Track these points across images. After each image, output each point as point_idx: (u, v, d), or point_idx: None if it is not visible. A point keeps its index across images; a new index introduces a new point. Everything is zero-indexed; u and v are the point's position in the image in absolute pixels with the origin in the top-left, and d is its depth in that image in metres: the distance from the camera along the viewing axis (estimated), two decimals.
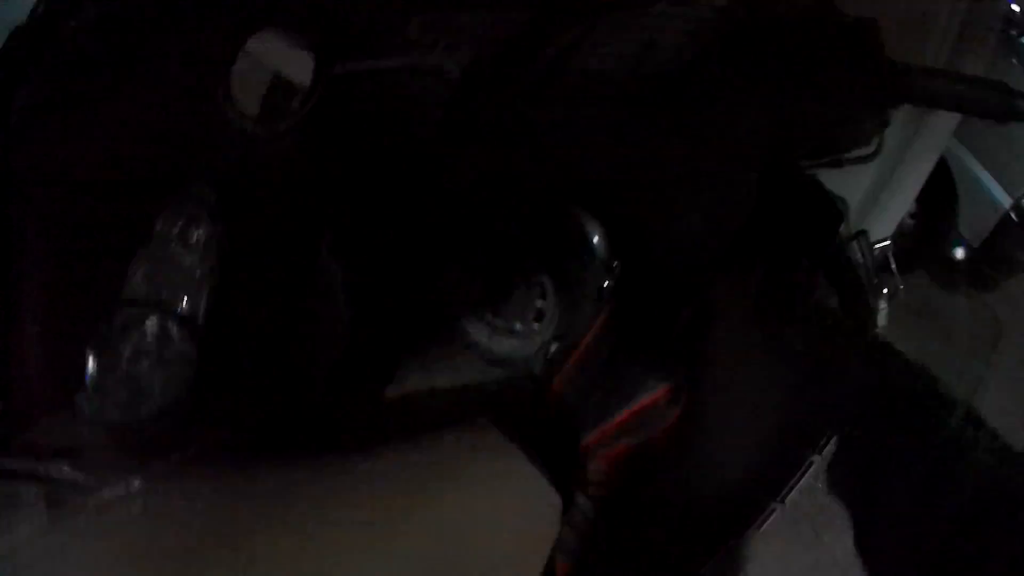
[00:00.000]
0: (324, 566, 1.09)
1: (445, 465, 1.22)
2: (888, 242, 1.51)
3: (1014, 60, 3.66)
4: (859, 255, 1.33)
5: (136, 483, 1.93)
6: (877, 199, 2.45)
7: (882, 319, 1.34)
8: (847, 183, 1.31)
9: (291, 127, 1.19)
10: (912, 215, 3.44)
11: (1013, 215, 3.43)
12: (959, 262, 3.65)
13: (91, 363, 1.73)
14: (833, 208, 1.34)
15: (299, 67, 1.21)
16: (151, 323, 1.76)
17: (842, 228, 1.31)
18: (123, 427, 1.79)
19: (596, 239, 2.03)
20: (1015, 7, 3.98)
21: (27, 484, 2.16)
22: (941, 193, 3.39)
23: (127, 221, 1.80)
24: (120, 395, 1.75)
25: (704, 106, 1.08)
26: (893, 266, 1.50)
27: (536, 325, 2.21)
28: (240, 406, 1.95)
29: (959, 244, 3.55)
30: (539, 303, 2.16)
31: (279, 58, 1.38)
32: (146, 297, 1.76)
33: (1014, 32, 3.86)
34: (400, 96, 1.97)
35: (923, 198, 3.38)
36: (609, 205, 1.23)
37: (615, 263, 1.98)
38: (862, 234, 1.35)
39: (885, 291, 1.36)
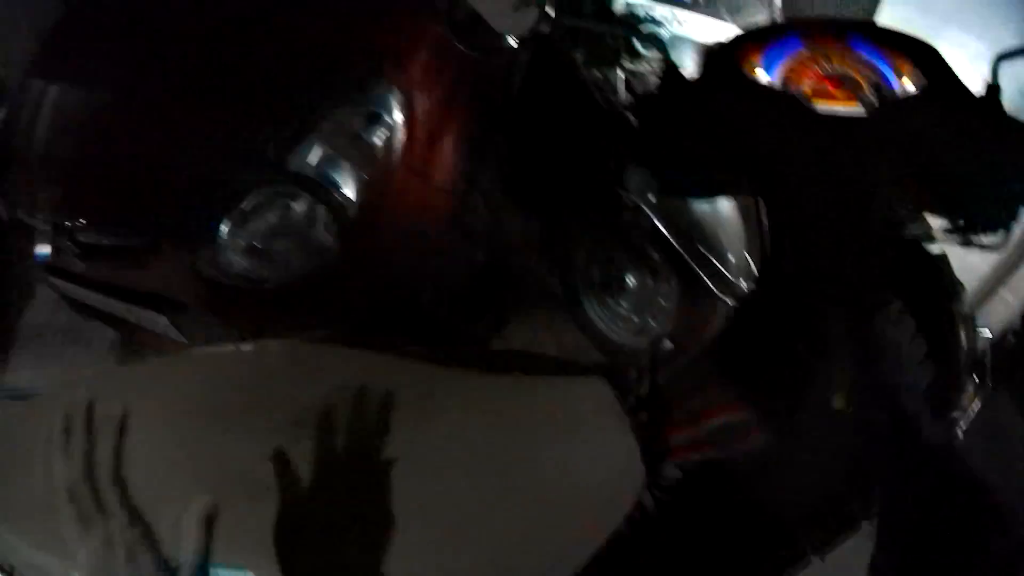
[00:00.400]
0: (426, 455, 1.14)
1: (556, 405, 1.25)
2: (989, 334, 1.51)
3: None
4: (963, 336, 1.34)
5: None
6: (993, 292, 2.40)
7: (966, 401, 1.35)
8: (966, 269, 1.34)
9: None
10: (1015, 332, 3.27)
11: None
12: None
13: (228, 223, 1.77)
14: (955, 282, 1.36)
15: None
16: (301, 203, 1.82)
17: (955, 306, 1.33)
18: (238, 292, 1.84)
19: (732, 257, 2.05)
20: None
21: (105, 325, 2.25)
22: None
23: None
24: (247, 261, 1.81)
25: (889, 145, 1.15)
26: (987, 360, 1.49)
27: (652, 322, 2.25)
28: (365, 302, 1.97)
29: None
30: (662, 302, 2.20)
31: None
32: (307, 176, 1.81)
33: None
34: None
35: None
36: (778, 196, 1.26)
37: (742, 287, 2.00)
38: (971, 318, 1.36)
39: (976, 378, 1.37)
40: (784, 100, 1.21)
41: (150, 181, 1.89)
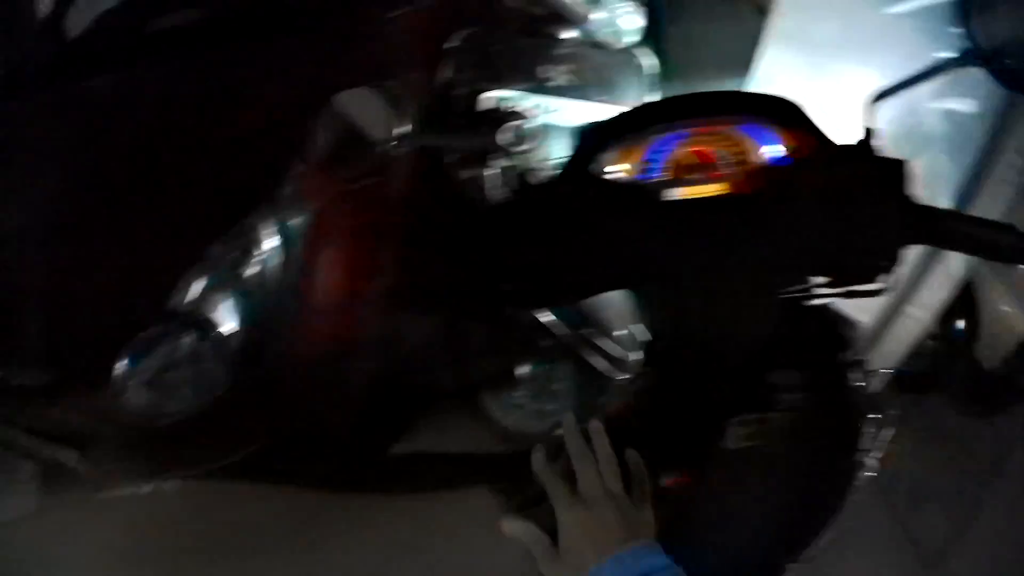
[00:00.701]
0: None
1: (451, 525, 1.25)
2: (891, 370, 1.56)
3: None
4: (865, 385, 1.37)
5: (144, 486, 1.99)
6: (890, 324, 2.50)
7: (878, 452, 1.38)
8: (862, 304, 1.36)
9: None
10: (932, 336, 3.46)
11: None
12: (974, 385, 3.64)
13: (125, 362, 1.73)
14: (844, 334, 1.39)
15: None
16: (189, 339, 1.78)
17: (852, 357, 1.36)
18: (141, 428, 1.83)
19: (622, 334, 2.09)
20: None
21: (26, 461, 2.22)
22: (963, 316, 3.41)
23: (186, 231, 1.89)
24: (146, 397, 1.76)
25: (762, 214, 1.14)
26: (890, 392, 1.54)
27: (551, 407, 2.27)
28: (262, 432, 1.98)
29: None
30: (557, 386, 2.22)
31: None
32: (189, 314, 1.78)
33: None
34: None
35: (945, 319, 3.41)
36: (648, 291, 1.26)
37: (635, 363, 2.03)
38: (870, 368, 1.39)
39: (882, 417, 1.40)
40: (643, 193, 1.19)
41: (48, 320, 1.87)
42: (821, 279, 1.23)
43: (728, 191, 1.16)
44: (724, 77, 2.66)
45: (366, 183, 1.23)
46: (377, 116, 1.25)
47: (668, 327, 1.26)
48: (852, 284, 1.21)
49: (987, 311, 3.39)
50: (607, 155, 1.20)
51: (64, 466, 1.98)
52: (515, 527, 1.12)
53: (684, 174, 1.18)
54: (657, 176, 1.19)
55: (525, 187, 1.23)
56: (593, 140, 1.22)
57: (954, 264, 2.49)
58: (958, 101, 2.30)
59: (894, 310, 2.56)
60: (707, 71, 2.77)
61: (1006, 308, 3.41)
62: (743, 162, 1.18)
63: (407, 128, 1.19)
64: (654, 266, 1.17)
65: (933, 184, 2.34)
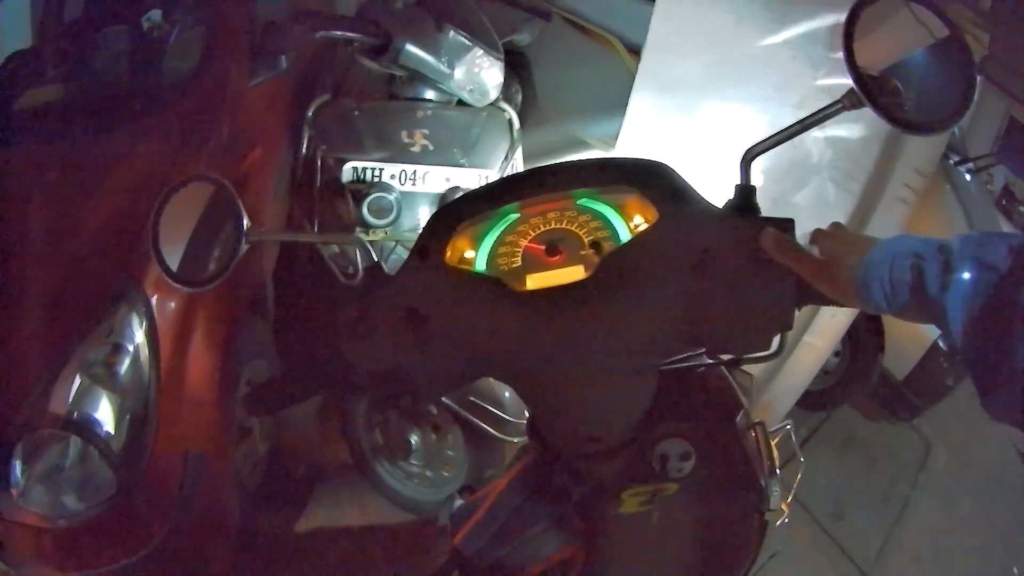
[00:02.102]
0: None
1: None
2: (789, 424, 1.53)
3: (948, 185, 3.76)
4: (754, 444, 1.35)
5: None
6: (789, 360, 2.50)
7: (775, 502, 1.36)
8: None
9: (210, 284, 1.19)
10: (837, 353, 3.52)
11: (941, 343, 3.49)
12: (884, 393, 3.70)
13: (17, 465, 1.75)
14: (732, 398, 1.36)
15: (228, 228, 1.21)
16: (74, 443, 1.78)
17: (739, 417, 1.33)
18: (42, 531, 1.78)
19: (507, 397, 2.07)
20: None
21: None
22: (866, 328, 3.47)
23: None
24: (43, 499, 1.77)
25: (620, 294, 1.06)
26: (795, 444, 1.53)
27: (446, 475, 2.24)
28: (158, 528, 1.91)
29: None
30: (449, 454, 2.19)
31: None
32: (70, 416, 1.77)
33: (951, 159, 3.99)
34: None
35: (850, 337, 3.45)
36: (513, 381, 1.22)
37: (524, 425, 2.01)
38: (759, 424, 1.36)
39: (779, 473, 1.38)
40: (488, 286, 1.12)
41: None
42: (701, 349, 1.19)
43: (583, 275, 1.08)
44: (595, 120, 2.68)
45: (205, 288, 1.18)
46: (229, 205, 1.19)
47: (543, 408, 1.23)
48: (742, 352, 1.16)
49: (890, 322, 3.46)
50: (454, 242, 1.13)
51: None
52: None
53: (536, 261, 1.11)
54: (506, 264, 1.12)
55: (376, 278, 1.19)
56: (439, 226, 1.14)
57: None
58: (844, 127, 2.31)
59: (793, 343, 2.54)
60: (577, 115, 2.80)
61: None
62: (595, 243, 1.10)
63: (240, 227, 1.14)
64: (517, 357, 1.12)
65: (822, 213, 2.35)
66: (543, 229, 1.12)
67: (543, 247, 1.10)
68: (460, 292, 1.09)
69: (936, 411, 3.78)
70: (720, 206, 1.08)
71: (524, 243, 1.11)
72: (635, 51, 2.57)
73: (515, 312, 1.06)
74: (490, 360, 1.11)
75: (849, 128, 2.30)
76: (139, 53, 2.50)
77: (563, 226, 1.12)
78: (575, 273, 1.08)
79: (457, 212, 1.15)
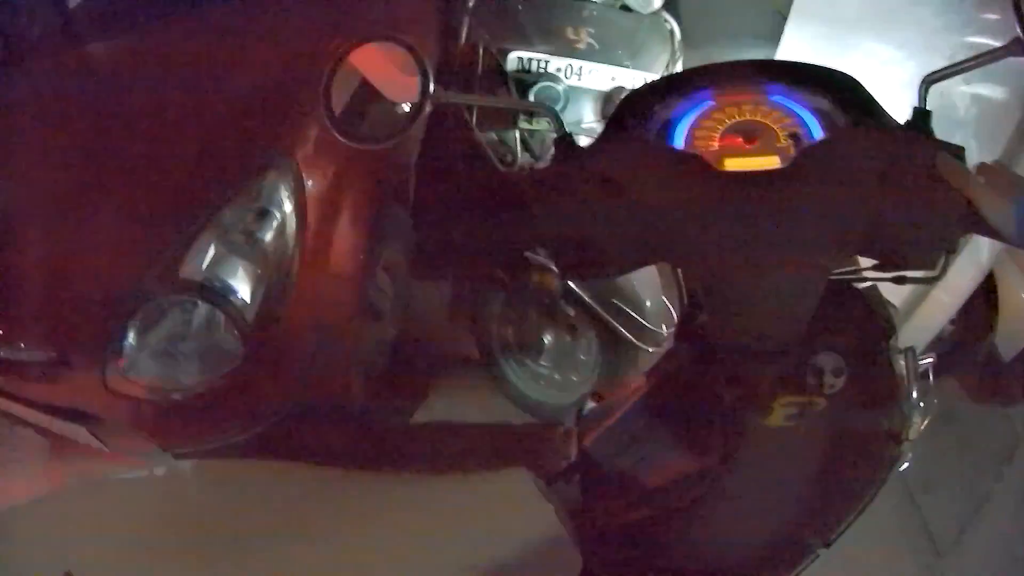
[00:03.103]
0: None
1: (479, 504, 1.22)
2: (932, 358, 1.51)
3: None
4: (903, 369, 1.33)
5: (155, 466, 1.93)
6: (917, 310, 2.45)
7: (914, 432, 1.34)
8: (891, 287, 1.31)
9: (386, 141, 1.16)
10: (951, 321, 3.43)
11: None
12: (988, 373, 3.62)
13: (133, 334, 1.73)
14: (887, 320, 1.34)
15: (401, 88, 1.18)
16: (200, 310, 1.77)
17: (892, 340, 1.31)
18: (152, 403, 1.78)
19: (649, 306, 2.04)
20: None
21: (34, 436, 2.17)
22: (982, 303, 3.38)
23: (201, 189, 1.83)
24: (154, 370, 1.76)
25: (813, 189, 1.08)
26: (932, 381, 1.50)
27: (575, 378, 2.22)
28: (278, 403, 1.92)
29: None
30: (582, 357, 2.17)
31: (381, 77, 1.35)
32: (202, 283, 1.75)
33: None
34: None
35: (965, 306, 3.37)
36: (694, 264, 1.21)
37: (664, 336, 1.99)
38: (910, 350, 1.34)
39: (922, 405, 1.36)
40: (689, 163, 1.12)
41: (49, 294, 1.81)
42: (869, 261, 1.19)
43: (778, 165, 1.07)
44: (747, 48, 2.64)
45: (382, 145, 1.16)
46: (394, 75, 1.17)
47: (710, 304, 1.21)
48: (907, 268, 1.17)
49: (1007, 302, 3.37)
50: (652, 121, 1.14)
51: (74, 442, 1.95)
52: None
53: (732, 145, 1.11)
54: (704, 146, 1.12)
55: (569, 150, 1.18)
56: (640, 102, 1.16)
57: (983, 251, 2.45)
58: (988, 87, 2.27)
59: (922, 293, 2.53)
60: (729, 41, 2.76)
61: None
62: (793, 136, 1.10)
63: (425, 88, 1.12)
64: (701, 238, 1.11)
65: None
66: (738, 119, 1.13)
67: (739, 134, 1.11)
68: (658, 165, 1.09)
69: None
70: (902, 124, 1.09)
71: (721, 129, 1.12)
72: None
73: (712, 192, 1.07)
74: (679, 238, 1.10)
75: (994, 89, 2.27)
76: None
77: (758, 118, 1.13)
78: (771, 161, 1.08)
79: (656, 90, 1.16)
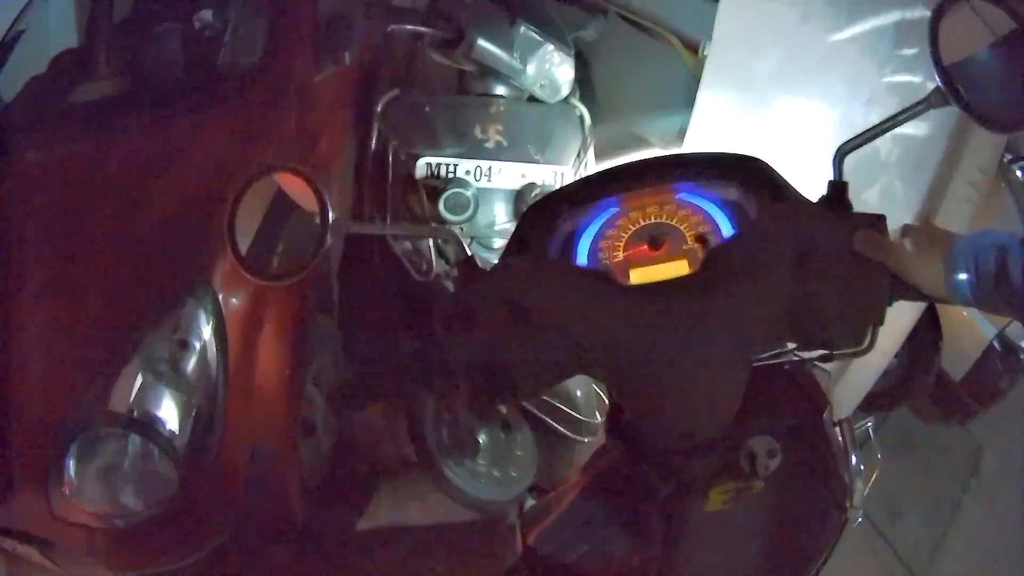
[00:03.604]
0: None
1: None
2: (871, 421, 1.52)
3: (1003, 184, 3.69)
4: (841, 440, 1.33)
5: None
6: (848, 369, 2.46)
7: (858, 498, 1.34)
8: None
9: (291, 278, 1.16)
10: (896, 354, 3.45)
11: (997, 345, 3.43)
12: (941, 394, 3.65)
13: (71, 464, 1.74)
14: (819, 394, 1.34)
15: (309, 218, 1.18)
16: (133, 440, 1.77)
17: (826, 414, 1.31)
18: (96, 530, 1.78)
19: (580, 397, 2.04)
20: None
21: None
22: (925, 328, 3.41)
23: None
24: (96, 497, 1.77)
25: (727, 288, 1.06)
26: (874, 443, 1.51)
27: (514, 473, 2.21)
28: (219, 526, 1.91)
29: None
30: (518, 452, 2.16)
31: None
32: (131, 413, 1.76)
33: (1006, 157, 3.91)
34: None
35: (909, 336, 3.40)
36: (612, 377, 1.19)
37: (597, 424, 1.99)
38: (846, 421, 1.34)
39: (863, 469, 1.36)
40: (592, 280, 1.10)
41: None
42: (794, 344, 1.18)
43: (687, 269, 1.07)
44: (661, 116, 2.65)
45: (288, 281, 1.16)
46: (310, 197, 1.17)
47: (641, 403, 1.20)
48: (834, 347, 1.15)
49: (950, 323, 3.41)
50: (555, 235, 1.13)
51: (29, 562, 1.93)
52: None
53: (638, 254, 1.10)
54: (608, 257, 1.11)
55: (471, 274, 1.17)
56: (538, 218, 1.14)
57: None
58: (909, 125, 2.27)
59: None
60: (643, 111, 2.76)
61: (965, 313, 3.41)
62: (699, 237, 1.09)
63: (325, 221, 1.11)
64: (620, 350, 1.08)
65: (890, 210, 2.34)
66: (643, 223, 1.11)
67: (645, 241, 1.09)
68: (563, 285, 1.06)
69: (988, 415, 3.73)
70: (814, 201, 1.07)
71: (626, 237, 1.10)
72: (693, 48, 2.53)
73: (620, 306, 1.04)
74: (592, 354, 1.08)
75: (915, 126, 2.25)
76: (193, 51, 2.49)
77: (664, 220, 1.11)
78: (680, 267, 1.07)
79: (556, 203, 1.14)
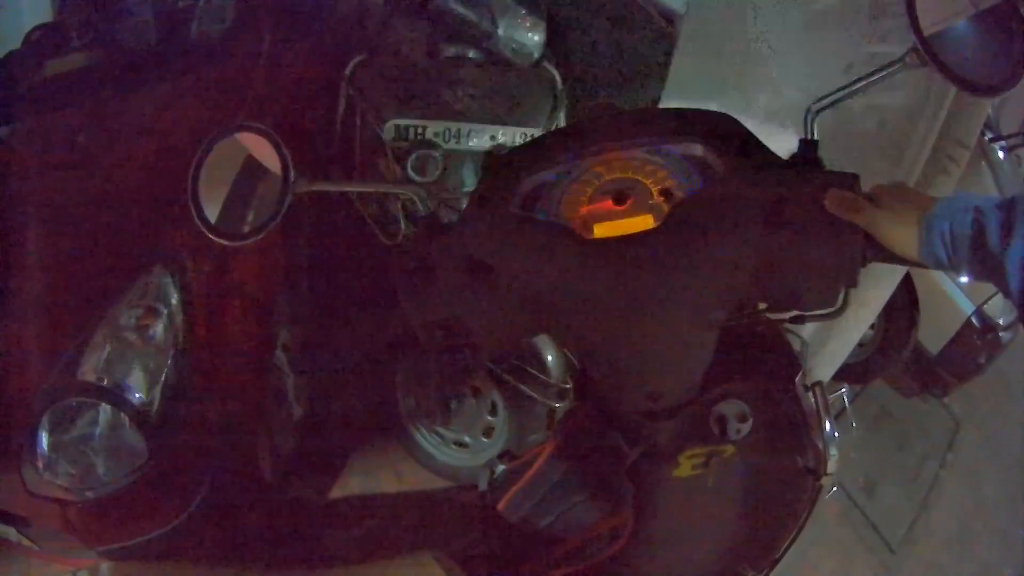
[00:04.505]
0: None
1: None
2: (845, 388, 1.50)
3: (983, 163, 3.70)
4: (814, 403, 1.31)
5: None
6: (834, 325, 2.45)
7: (832, 466, 1.32)
8: None
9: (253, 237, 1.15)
10: (872, 325, 3.46)
11: (975, 320, 3.44)
12: (918, 369, 3.66)
13: (43, 437, 1.72)
14: (791, 358, 1.32)
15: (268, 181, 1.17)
16: (104, 410, 1.75)
17: (799, 378, 1.29)
18: (69, 503, 1.76)
19: (551, 360, 2.03)
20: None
21: None
22: (902, 301, 3.41)
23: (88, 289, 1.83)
24: (69, 471, 1.74)
25: (691, 244, 1.02)
26: (848, 409, 1.50)
27: (484, 440, 2.20)
28: (190, 496, 1.89)
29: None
30: (489, 419, 2.15)
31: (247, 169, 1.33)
32: (101, 383, 1.74)
33: (987, 135, 3.92)
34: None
35: (885, 309, 3.41)
36: (574, 335, 1.17)
37: (568, 388, 1.97)
38: (818, 385, 1.32)
39: (837, 437, 1.35)
40: (554, 234, 1.06)
41: None
42: (764, 305, 1.15)
43: (652, 224, 1.03)
44: (635, 85, 2.63)
45: (249, 240, 1.15)
46: (273, 157, 1.15)
47: (604, 364, 1.18)
48: (805, 308, 1.13)
49: (928, 297, 3.41)
50: (516, 191, 1.09)
51: (6, 540, 1.92)
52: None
53: (602, 209, 1.07)
54: (572, 212, 1.08)
55: (432, 230, 1.14)
56: (503, 174, 1.12)
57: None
58: (886, 96, 2.25)
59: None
60: (609, 82, 2.75)
61: (944, 289, 3.41)
62: (665, 192, 1.06)
63: (287, 179, 1.10)
64: (576, 311, 1.05)
65: (867, 181, 2.33)
66: (608, 177, 1.08)
67: (609, 195, 1.06)
68: (525, 240, 1.04)
69: (965, 390, 3.75)
70: (784, 159, 1.05)
71: (590, 191, 1.08)
72: (667, 17, 2.51)
73: (583, 261, 1.01)
74: (553, 311, 1.06)
75: (894, 97, 2.25)
76: (164, 21, 2.49)
77: (629, 175, 1.08)
78: (644, 222, 1.04)
79: (519, 159, 1.12)
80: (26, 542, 1.89)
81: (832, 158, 1.10)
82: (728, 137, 1.07)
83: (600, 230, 1.04)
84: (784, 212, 1.00)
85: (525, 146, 1.17)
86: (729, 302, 1.07)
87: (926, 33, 1.01)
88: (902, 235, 0.94)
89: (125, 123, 2.11)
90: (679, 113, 1.14)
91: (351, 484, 2.25)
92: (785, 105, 2.16)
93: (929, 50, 0.99)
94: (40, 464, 1.73)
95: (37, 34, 2.67)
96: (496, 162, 1.13)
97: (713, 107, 1.14)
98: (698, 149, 1.07)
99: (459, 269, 1.06)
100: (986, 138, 3.88)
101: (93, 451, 1.77)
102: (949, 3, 1.07)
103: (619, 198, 1.06)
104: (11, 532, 1.87)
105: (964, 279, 3.24)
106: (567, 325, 1.10)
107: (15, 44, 2.63)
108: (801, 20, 2.24)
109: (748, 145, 1.06)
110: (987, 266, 0.87)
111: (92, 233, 1.91)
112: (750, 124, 1.11)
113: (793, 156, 1.06)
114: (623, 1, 2.68)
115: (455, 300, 1.06)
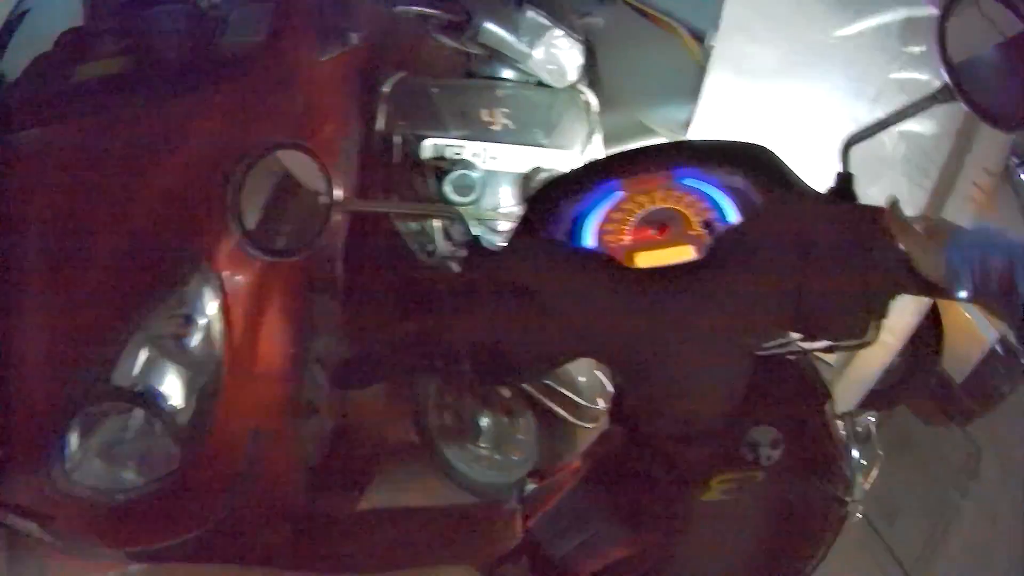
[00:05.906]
0: None
1: None
2: (873, 418, 1.50)
3: (1008, 186, 3.70)
4: (843, 433, 1.32)
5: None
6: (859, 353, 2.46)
7: (859, 493, 1.33)
8: None
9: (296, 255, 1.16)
10: (898, 353, 3.45)
11: (999, 348, 3.43)
12: (941, 395, 3.64)
13: (73, 439, 1.75)
14: (822, 386, 1.33)
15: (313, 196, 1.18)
16: (136, 415, 1.78)
17: (828, 405, 1.30)
18: (96, 505, 1.79)
19: (583, 382, 2.03)
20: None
21: None
22: (928, 329, 3.40)
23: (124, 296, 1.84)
24: (97, 474, 1.77)
25: (731, 275, 1.05)
26: (875, 438, 1.50)
27: (515, 457, 2.21)
28: (219, 504, 1.91)
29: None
30: (520, 436, 2.16)
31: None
32: (135, 388, 1.76)
33: (1012, 161, 3.92)
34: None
35: (911, 336, 3.40)
36: (614, 359, 1.19)
37: (600, 411, 1.98)
38: (848, 415, 1.34)
39: (864, 464, 1.36)
40: (597, 263, 1.09)
41: None
42: (797, 335, 1.17)
43: (692, 255, 1.07)
44: (667, 106, 2.65)
45: (292, 258, 1.16)
46: (314, 174, 1.17)
47: (643, 389, 1.20)
48: (837, 339, 1.15)
49: (953, 325, 3.41)
50: (560, 218, 1.13)
51: (29, 536, 1.92)
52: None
53: (643, 238, 1.11)
54: (613, 240, 1.11)
55: (477, 256, 1.16)
56: (547, 200, 1.15)
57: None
58: (916, 122, 2.27)
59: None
60: (641, 101, 2.77)
61: (967, 316, 3.40)
62: (705, 224, 1.10)
63: (330, 198, 1.11)
64: (616, 338, 1.09)
65: None
66: (649, 208, 1.11)
67: (652, 225, 1.10)
68: (568, 267, 1.07)
69: (988, 419, 3.73)
70: (820, 192, 1.09)
71: (631, 221, 1.11)
72: (698, 37, 2.54)
73: (624, 289, 1.05)
74: (594, 337, 1.09)
75: (922, 123, 2.27)
76: (196, 30, 2.52)
77: (671, 205, 1.11)
78: (684, 252, 1.07)
79: (563, 186, 1.15)
80: (48, 539, 1.89)
81: (862, 180, 1.12)
82: (766, 168, 1.09)
83: (641, 260, 1.08)
84: (819, 244, 1.03)
85: (568, 173, 1.21)
86: (764, 331, 1.11)
87: (955, 61, 1.03)
88: (932, 261, 0.97)
89: (159, 131, 2.12)
90: (719, 144, 1.16)
91: (379, 498, 2.25)
92: (815, 131, 2.17)
93: (960, 87, 1.00)
94: (69, 464, 1.75)
95: (68, 38, 2.69)
96: (540, 189, 1.16)
97: (743, 129, 1.17)
98: (738, 180, 1.10)
99: (504, 293, 1.08)
100: (1012, 163, 3.89)
101: (123, 455, 1.80)
102: (977, 34, 1.09)
103: (660, 227, 1.10)
104: (34, 528, 1.87)
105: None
106: (607, 350, 1.13)
107: (46, 47, 2.64)
108: (828, 45, 2.27)
109: (785, 177, 1.08)
110: (1011, 309, 0.90)
111: (129, 238, 1.92)
112: (781, 150, 1.13)
113: (829, 189, 1.09)
114: (645, 23, 2.72)
115: (499, 323, 1.08)
